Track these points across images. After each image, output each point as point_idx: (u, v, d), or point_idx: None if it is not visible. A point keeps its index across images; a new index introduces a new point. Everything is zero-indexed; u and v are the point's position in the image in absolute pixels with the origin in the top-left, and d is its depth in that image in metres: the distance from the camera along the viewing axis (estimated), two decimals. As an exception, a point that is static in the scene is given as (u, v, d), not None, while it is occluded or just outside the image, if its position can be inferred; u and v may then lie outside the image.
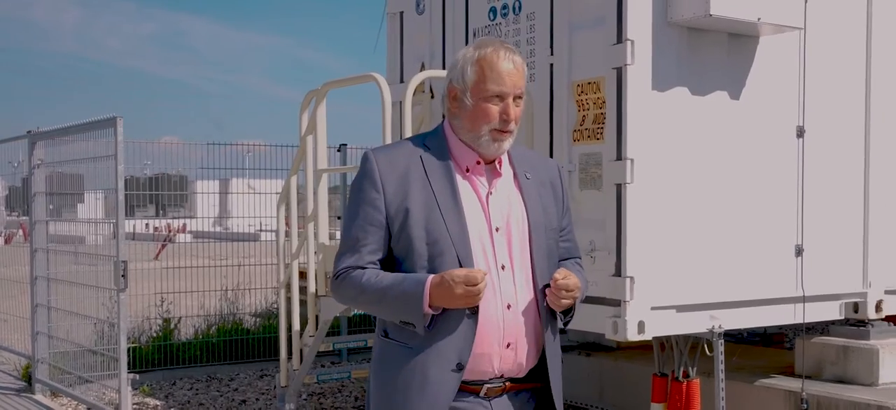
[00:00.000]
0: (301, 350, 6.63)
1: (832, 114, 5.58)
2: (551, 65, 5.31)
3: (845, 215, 5.66)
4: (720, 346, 5.13)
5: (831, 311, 5.69)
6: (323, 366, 9.12)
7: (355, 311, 8.32)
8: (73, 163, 7.78)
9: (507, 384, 2.68)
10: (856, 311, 5.74)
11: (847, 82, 5.66)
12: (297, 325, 6.67)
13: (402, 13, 6.70)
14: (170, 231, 12.54)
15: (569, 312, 2.75)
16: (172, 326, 9.53)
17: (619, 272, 4.85)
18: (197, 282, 9.73)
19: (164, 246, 12.41)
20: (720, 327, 5.11)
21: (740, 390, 5.66)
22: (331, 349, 8.69)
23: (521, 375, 2.70)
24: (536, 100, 5.34)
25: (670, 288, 4.95)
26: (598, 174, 5.01)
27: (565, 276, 2.63)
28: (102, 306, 7.17)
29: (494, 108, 2.63)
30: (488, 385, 2.65)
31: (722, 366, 5.17)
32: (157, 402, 8.05)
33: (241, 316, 10.09)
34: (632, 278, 4.82)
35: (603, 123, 4.98)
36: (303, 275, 6.64)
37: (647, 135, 4.86)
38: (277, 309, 7.51)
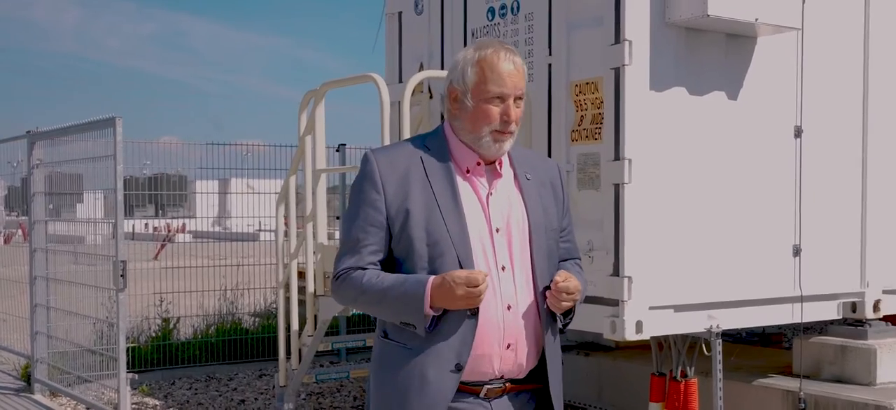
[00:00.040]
0: (300, 350, 6.64)
1: (830, 114, 5.59)
2: (549, 65, 5.32)
3: (843, 215, 5.67)
4: (718, 346, 5.14)
5: (829, 311, 5.70)
6: (322, 366, 9.13)
7: (354, 311, 8.34)
8: (72, 163, 7.79)
9: (507, 385, 2.68)
10: (853, 311, 5.75)
11: (845, 82, 5.67)
12: (295, 325, 6.68)
13: (400, 13, 6.71)
14: (169, 231, 12.55)
15: (568, 314, 2.75)
16: (171, 326, 9.53)
17: (617, 272, 4.86)
18: (196, 282, 9.74)
19: (163, 246, 12.41)
20: (718, 327, 5.12)
21: (738, 389, 5.66)
22: (329, 348, 8.70)
23: (522, 376, 2.70)
24: (535, 101, 5.35)
25: (668, 287, 4.96)
26: (596, 174, 5.02)
27: (566, 279, 2.64)
28: (101, 306, 7.18)
29: (495, 109, 2.64)
30: (488, 386, 2.66)
31: (720, 366, 5.18)
32: (156, 402, 8.06)
33: (240, 316, 10.10)
34: (630, 278, 4.82)
35: (601, 123, 4.99)
36: (301, 275, 6.65)
37: (645, 136, 4.86)
38: (276, 308, 7.51)
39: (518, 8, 5.57)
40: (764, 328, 7.18)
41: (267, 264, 10.15)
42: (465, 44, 5.99)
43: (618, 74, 4.84)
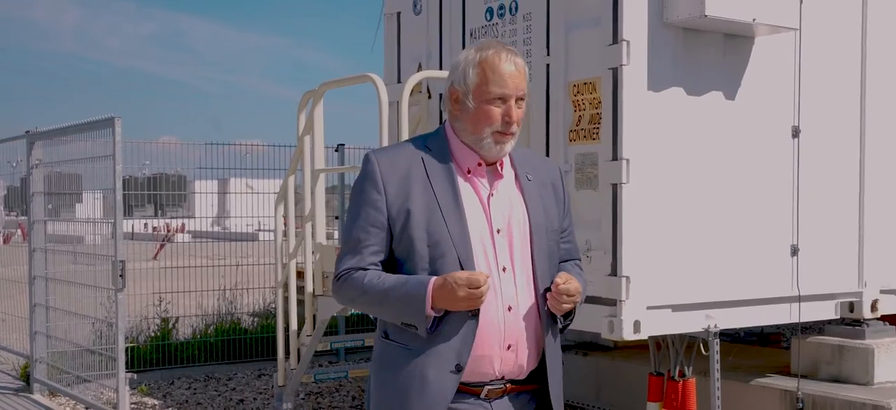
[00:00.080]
0: (298, 350, 6.65)
1: (827, 114, 5.59)
2: (548, 65, 5.33)
3: (841, 215, 5.68)
4: (716, 346, 5.15)
5: (827, 311, 5.70)
6: (320, 366, 9.14)
7: (353, 311, 8.35)
8: (71, 163, 7.79)
9: (507, 385, 2.69)
10: (851, 311, 5.76)
11: (842, 82, 5.68)
12: (294, 325, 6.69)
13: (399, 14, 6.72)
14: (168, 230, 12.55)
15: (569, 315, 2.75)
16: (170, 326, 9.54)
17: (614, 271, 4.86)
18: (195, 282, 9.74)
19: (162, 246, 12.42)
20: (716, 326, 5.12)
21: (736, 389, 5.67)
22: (328, 348, 8.71)
23: (522, 377, 2.71)
24: (533, 101, 5.36)
25: (666, 287, 4.96)
26: (594, 174, 5.03)
27: (566, 281, 2.64)
28: (100, 306, 7.18)
29: (497, 110, 2.64)
30: (489, 387, 2.66)
31: (718, 366, 5.18)
32: (155, 401, 8.06)
33: (239, 316, 10.11)
34: (628, 277, 4.83)
35: (599, 123, 4.99)
36: (300, 275, 6.66)
37: (643, 136, 4.87)
38: (275, 308, 7.52)
39: (516, 8, 5.58)
40: (762, 327, 7.19)
41: (266, 264, 10.16)
42: (464, 44, 6.00)
43: (616, 74, 4.85)
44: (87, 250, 7.66)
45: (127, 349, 7.62)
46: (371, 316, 6.37)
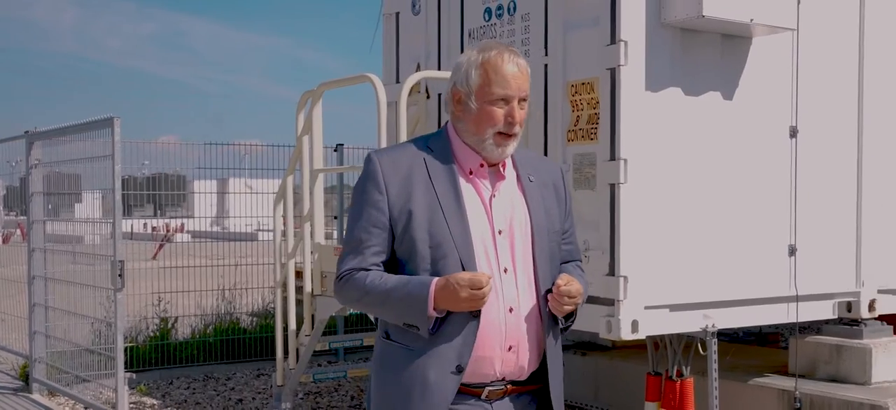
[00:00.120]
0: (297, 350, 6.65)
1: (825, 114, 5.60)
2: (546, 65, 5.34)
3: (838, 215, 5.69)
4: (713, 345, 5.15)
5: (825, 311, 5.71)
6: (319, 365, 9.15)
7: (351, 311, 8.36)
8: (70, 163, 7.80)
9: (508, 386, 2.69)
10: (849, 310, 5.77)
11: (840, 82, 5.69)
12: (293, 324, 6.69)
13: (397, 14, 6.73)
14: (167, 230, 12.56)
15: (570, 317, 2.76)
16: (169, 325, 9.55)
17: (612, 271, 4.87)
18: (194, 282, 9.75)
19: (161, 246, 12.43)
20: (713, 326, 5.13)
21: (734, 389, 5.68)
22: (327, 348, 8.70)
23: (523, 378, 2.71)
24: (531, 101, 5.35)
25: (664, 287, 4.97)
26: (592, 174, 5.04)
27: (568, 282, 2.64)
28: (100, 305, 7.19)
29: (499, 111, 2.64)
30: (490, 388, 2.67)
31: (715, 365, 5.19)
32: (154, 401, 8.07)
33: (238, 316, 10.12)
34: (625, 277, 4.84)
35: (597, 123, 5.00)
36: (299, 275, 6.67)
37: (641, 136, 4.88)
38: (274, 308, 7.53)
39: (515, 8, 5.59)
40: (761, 327, 7.19)
41: (265, 264, 10.17)
42: (462, 44, 6.01)
43: (614, 75, 4.86)
44: (87, 250, 7.66)
45: (126, 349, 7.63)
46: (371, 317, 6.38)
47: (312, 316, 6.48)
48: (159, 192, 10.91)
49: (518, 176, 2.76)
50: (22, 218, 9.94)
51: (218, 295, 10.01)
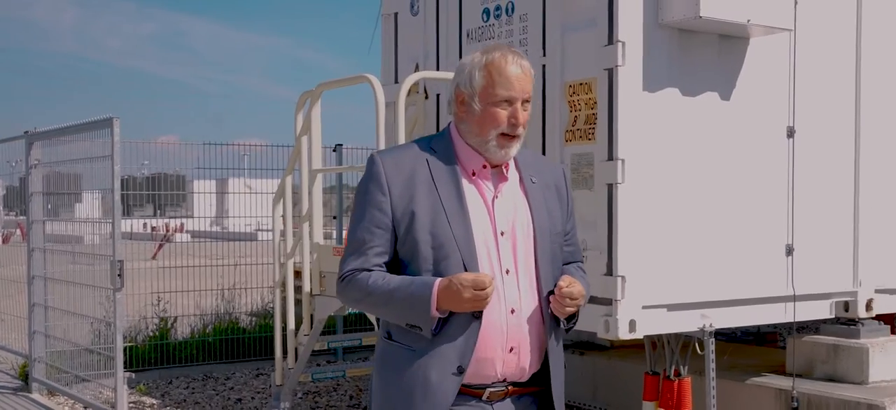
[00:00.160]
0: (296, 349, 6.67)
1: (822, 114, 5.62)
2: (544, 66, 5.35)
3: (835, 215, 5.70)
4: (711, 345, 5.17)
5: (822, 310, 5.72)
6: (318, 365, 9.15)
7: (350, 310, 8.37)
8: (70, 163, 7.81)
9: (509, 388, 2.69)
10: (846, 310, 5.78)
11: (837, 83, 5.70)
12: (292, 324, 6.70)
13: (396, 14, 6.74)
14: (167, 230, 12.57)
15: (572, 318, 2.76)
16: (169, 325, 9.57)
17: (610, 271, 4.89)
18: (193, 282, 9.77)
19: (161, 246, 12.44)
20: (711, 326, 5.14)
21: (732, 388, 5.69)
22: (326, 348, 8.71)
23: (524, 379, 2.72)
24: (529, 101, 5.38)
25: (661, 287, 4.99)
26: (590, 174, 5.05)
27: (570, 284, 2.65)
28: (99, 305, 7.20)
29: (503, 113, 2.65)
30: (491, 389, 2.67)
31: (713, 365, 5.21)
32: (154, 401, 8.08)
33: (238, 316, 10.13)
34: (623, 277, 4.85)
35: (594, 124, 5.02)
36: (298, 275, 6.68)
37: (639, 136, 4.89)
38: (273, 308, 7.55)
39: (513, 9, 5.61)
40: (759, 327, 7.21)
41: (264, 264, 10.18)
42: (461, 45, 6.02)
43: (611, 75, 4.87)
44: (86, 250, 7.68)
45: (125, 348, 7.65)
46: (371, 318, 6.39)
47: (311, 316, 6.50)
48: (159, 192, 10.93)
49: (520, 177, 2.77)
50: (22, 218, 9.95)
51: (217, 295, 10.03)
